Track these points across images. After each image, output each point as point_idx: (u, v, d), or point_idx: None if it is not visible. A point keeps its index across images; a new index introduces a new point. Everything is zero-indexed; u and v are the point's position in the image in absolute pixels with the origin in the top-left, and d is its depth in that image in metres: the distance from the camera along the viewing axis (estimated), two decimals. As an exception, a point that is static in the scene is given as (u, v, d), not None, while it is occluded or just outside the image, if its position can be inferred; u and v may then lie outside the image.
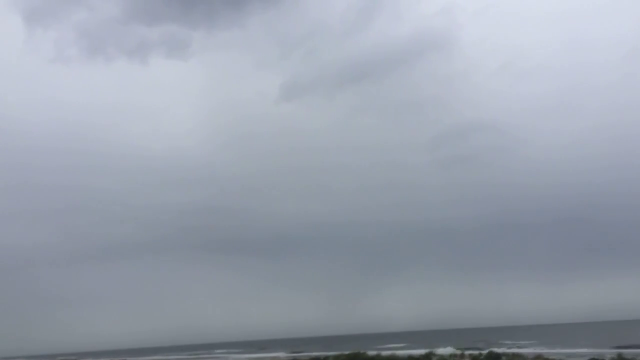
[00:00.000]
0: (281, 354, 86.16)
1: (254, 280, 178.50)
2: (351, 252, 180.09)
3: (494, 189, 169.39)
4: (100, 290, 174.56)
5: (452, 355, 49.86)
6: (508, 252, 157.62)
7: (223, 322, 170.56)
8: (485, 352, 49.85)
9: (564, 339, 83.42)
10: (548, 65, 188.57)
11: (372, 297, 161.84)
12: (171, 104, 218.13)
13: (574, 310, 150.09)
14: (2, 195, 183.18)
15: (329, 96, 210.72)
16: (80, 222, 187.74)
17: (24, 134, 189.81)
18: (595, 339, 76.02)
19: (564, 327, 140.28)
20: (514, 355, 48.47)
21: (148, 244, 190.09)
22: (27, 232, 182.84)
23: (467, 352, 50.13)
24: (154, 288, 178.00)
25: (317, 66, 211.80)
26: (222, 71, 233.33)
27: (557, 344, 68.49)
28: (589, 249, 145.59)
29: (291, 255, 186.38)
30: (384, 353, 54.42)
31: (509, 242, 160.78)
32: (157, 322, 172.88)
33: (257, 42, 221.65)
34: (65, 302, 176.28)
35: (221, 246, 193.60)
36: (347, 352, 57.93)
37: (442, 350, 53.62)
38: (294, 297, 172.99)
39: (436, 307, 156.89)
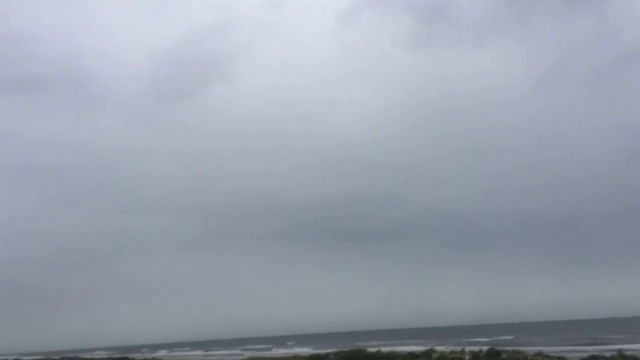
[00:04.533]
0: (305, 349, 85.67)
1: (358, 270, 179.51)
2: (456, 242, 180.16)
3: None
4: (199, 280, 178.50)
5: (452, 352, 49.91)
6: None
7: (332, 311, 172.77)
8: (485, 349, 49.90)
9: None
10: None
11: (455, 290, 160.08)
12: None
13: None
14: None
15: (580, 82, 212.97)
16: (232, 216, 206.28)
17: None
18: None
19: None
20: (515, 352, 48.46)
21: (279, 234, 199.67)
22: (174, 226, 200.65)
23: (467, 349, 50.16)
24: (263, 277, 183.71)
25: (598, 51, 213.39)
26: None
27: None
28: None
29: (398, 246, 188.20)
30: (385, 349, 54.49)
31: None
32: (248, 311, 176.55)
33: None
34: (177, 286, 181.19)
35: (350, 235, 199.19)
36: (347, 349, 58.00)
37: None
38: (379, 289, 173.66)
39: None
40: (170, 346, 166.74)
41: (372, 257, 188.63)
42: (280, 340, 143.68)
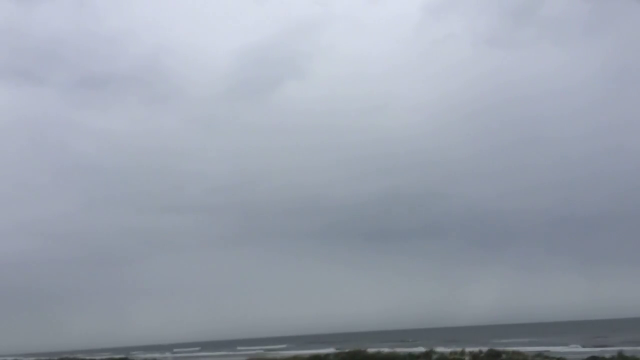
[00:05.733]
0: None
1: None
2: (488, 241, 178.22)
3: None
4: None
5: (452, 353, 49.86)
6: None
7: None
8: (485, 349, 49.86)
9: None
10: None
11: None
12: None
13: None
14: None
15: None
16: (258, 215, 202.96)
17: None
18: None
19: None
20: (514, 353, 48.44)
21: (312, 233, 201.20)
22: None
23: (467, 350, 50.16)
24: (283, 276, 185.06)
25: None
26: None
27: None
28: None
29: (428, 245, 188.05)
30: (385, 350, 54.48)
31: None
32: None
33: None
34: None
35: (383, 235, 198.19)
36: (347, 350, 57.97)
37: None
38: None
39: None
40: (185, 346, 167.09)
41: (401, 257, 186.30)
42: (304, 340, 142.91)
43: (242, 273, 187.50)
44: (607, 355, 42.72)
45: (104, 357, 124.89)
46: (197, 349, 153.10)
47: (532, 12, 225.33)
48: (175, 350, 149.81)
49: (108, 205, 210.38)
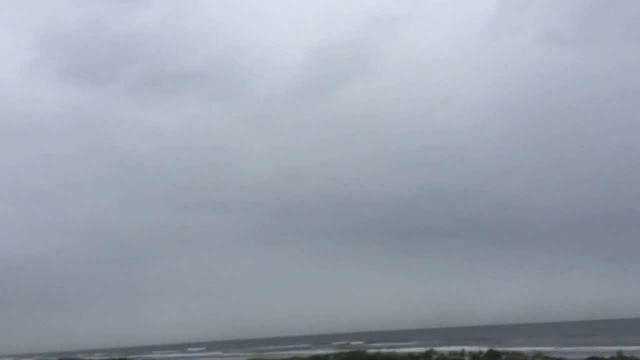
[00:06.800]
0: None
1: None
2: (512, 240, 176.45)
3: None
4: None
5: (452, 353, 49.87)
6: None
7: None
8: (485, 350, 49.87)
9: None
10: None
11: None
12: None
13: None
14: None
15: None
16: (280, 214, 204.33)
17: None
18: None
19: None
20: (514, 353, 48.46)
21: (340, 232, 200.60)
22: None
23: (467, 350, 50.16)
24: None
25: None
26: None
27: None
28: None
29: (451, 245, 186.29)
30: (384, 351, 54.51)
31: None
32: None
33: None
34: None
35: (411, 234, 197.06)
36: (347, 350, 58.01)
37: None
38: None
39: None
40: (209, 344, 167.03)
41: (429, 257, 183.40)
42: (319, 340, 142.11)
43: (270, 272, 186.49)
44: (607, 356, 42.67)
45: (105, 357, 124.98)
46: (202, 348, 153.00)
47: (606, 12, 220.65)
48: (189, 349, 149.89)
49: (145, 204, 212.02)
